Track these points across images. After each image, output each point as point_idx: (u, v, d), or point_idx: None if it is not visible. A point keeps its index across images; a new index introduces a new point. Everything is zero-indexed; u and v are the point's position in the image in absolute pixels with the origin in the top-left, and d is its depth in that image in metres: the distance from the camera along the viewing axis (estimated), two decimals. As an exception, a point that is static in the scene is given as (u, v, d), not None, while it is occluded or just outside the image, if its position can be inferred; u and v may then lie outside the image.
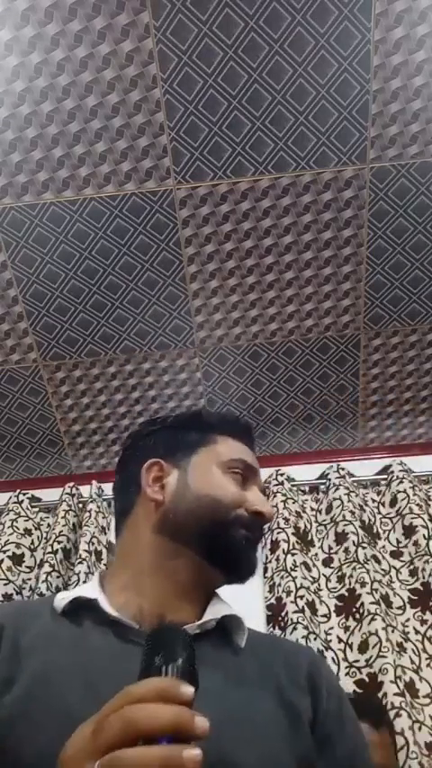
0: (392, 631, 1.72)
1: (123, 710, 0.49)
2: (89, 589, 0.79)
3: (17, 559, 2.01)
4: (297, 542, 1.93)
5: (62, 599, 0.78)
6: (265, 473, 2.16)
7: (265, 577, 1.92)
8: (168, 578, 0.80)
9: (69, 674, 0.68)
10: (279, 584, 1.82)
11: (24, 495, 2.19)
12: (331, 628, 1.79)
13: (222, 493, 0.82)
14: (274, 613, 1.79)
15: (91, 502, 2.08)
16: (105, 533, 2.06)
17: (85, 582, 1.78)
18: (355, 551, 1.85)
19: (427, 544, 1.87)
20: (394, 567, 1.93)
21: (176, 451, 0.87)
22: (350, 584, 1.81)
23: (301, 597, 1.77)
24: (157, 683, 0.50)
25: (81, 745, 0.50)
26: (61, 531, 2.01)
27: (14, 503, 2.16)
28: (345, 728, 0.76)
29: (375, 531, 2.03)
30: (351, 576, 1.82)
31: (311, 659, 0.82)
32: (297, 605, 1.74)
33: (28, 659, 0.70)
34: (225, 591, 0.85)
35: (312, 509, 2.12)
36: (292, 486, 2.13)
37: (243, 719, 0.69)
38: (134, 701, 0.49)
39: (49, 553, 1.95)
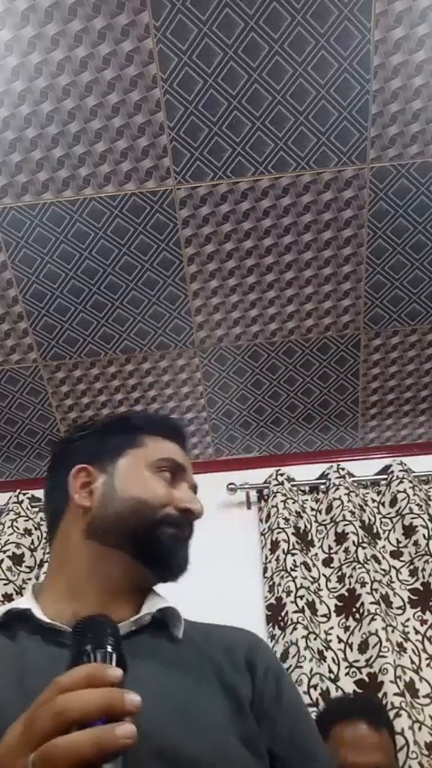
0: (392, 631, 1.72)
1: (53, 701, 0.48)
2: (22, 601, 0.79)
3: (17, 559, 2.01)
4: (297, 542, 1.93)
5: None
6: (265, 473, 2.17)
7: (265, 577, 1.92)
8: (102, 581, 0.80)
9: (5, 686, 0.67)
10: (279, 584, 1.82)
11: (24, 495, 2.19)
12: (331, 628, 1.79)
13: (149, 494, 0.82)
14: (274, 613, 1.79)
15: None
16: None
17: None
18: (355, 551, 1.85)
19: (427, 544, 1.87)
20: (394, 567, 1.93)
21: (104, 456, 0.87)
22: (350, 584, 1.81)
23: (301, 597, 1.77)
24: (83, 670, 0.50)
25: (13, 741, 0.50)
26: (61, 531, 2.01)
27: (14, 503, 2.16)
28: (282, 705, 0.77)
29: (375, 531, 2.03)
30: (351, 576, 1.82)
31: (250, 642, 0.83)
32: (297, 605, 1.74)
33: None
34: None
35: (312, 509, 2.11)
36: (292, 486, 2.13)
37: (185, 709, 0.69)
38: (63, 690, 0.48)
39: (48, 553, 1.94)
